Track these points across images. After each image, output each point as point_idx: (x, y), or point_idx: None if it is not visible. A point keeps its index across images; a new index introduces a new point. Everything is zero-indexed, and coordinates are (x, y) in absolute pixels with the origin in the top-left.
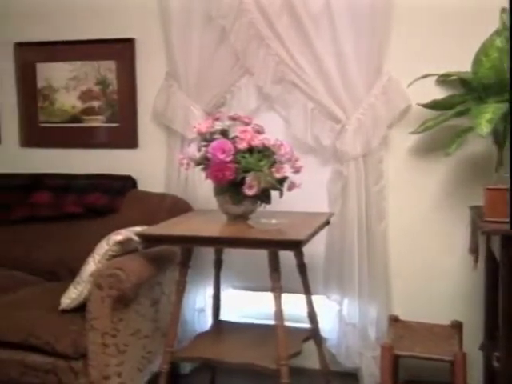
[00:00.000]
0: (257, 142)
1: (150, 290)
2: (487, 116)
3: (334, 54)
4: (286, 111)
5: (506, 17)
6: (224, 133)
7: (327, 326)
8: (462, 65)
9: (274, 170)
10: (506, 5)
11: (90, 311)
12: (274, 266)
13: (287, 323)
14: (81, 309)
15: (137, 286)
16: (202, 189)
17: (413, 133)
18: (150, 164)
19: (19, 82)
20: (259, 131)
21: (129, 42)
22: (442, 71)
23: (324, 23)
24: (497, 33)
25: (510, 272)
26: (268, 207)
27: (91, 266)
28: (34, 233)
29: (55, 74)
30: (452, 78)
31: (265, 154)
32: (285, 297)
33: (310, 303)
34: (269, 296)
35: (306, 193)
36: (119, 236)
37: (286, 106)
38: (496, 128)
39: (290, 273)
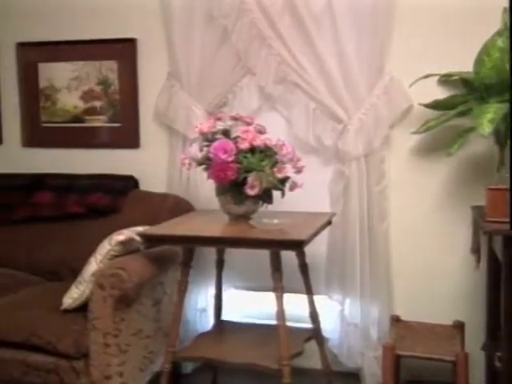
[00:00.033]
0: (259, 142)
1: (151, 289)
2: (489, 116)
3: (336, 54)
4: (288, 111)
5: (507, 17)
6: (226, 133)
7: (329, 326)
8: (464, 65)
9: (275, 170)
10: (507, 5)
11: (92, 311)
12: (276, 266)
13: (289, 323)
14: (83, 309)
15: (139, 286)
16: (203, 189)
17: (414, 133)
18: (151, 164)
19: (21, 82)
20: (261, 131)
21: (130, 42)
22: (444, 71)
23: (326, 23)
24: (498, 33)
25: None
26: (270, 207)
27: (93, 265)
28: (36, 233)
29: (57, 74)
30: (454, 78)
31: (267, 154)
32: (287, 297)
33: (311, 303)
34: (271, 296)
35: (308, 193)
36: (121, 236)
37: (288, 106)
38: (498, 128)
39: (292, 273)
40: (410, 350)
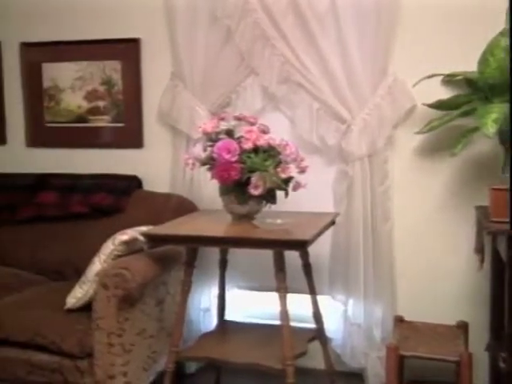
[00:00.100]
0: (262, 141)
1: (155, 289)
2: (493, 116)
3: (340, 54)
4: (292, 111)
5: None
6: (229, 133)
7: (332, 327)
8: (468, 65)
9: (279, 169)
10: (508, 5)
11: (96, 311)
12: (280, 266)
13: (292, 323)
14: (86, 308)
15: (142, 286)
16: (207, 189)
17: (418, 133)
18: (155, 164)
19: (25, 82)
20: (264, 131)
21: (134, 42)
22: (448, 71)
23: (329, 23)
24: (502, 33)
25: None
26: (273, 207)
27: (97, 265)
28: (40, 233)
29: (61, 74)
30: (458, 77)
31: (270, 153)
32: (290, 297)
33: (315, 303)
34: (274, 296)
35: (312, 193)
36: (125, 236)
37: (292, 106)
38: (502, 128)
39: (296, 273)
40: (413, 351)
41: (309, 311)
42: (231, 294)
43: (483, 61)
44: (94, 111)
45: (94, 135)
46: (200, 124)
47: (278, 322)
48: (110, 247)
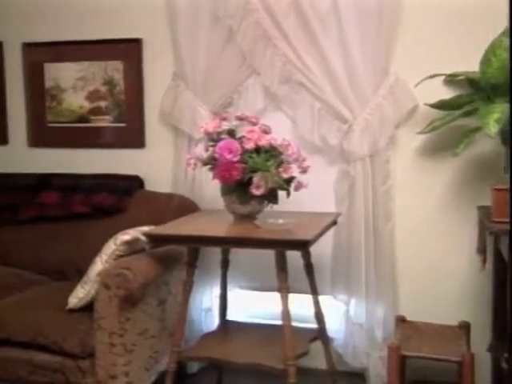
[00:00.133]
0: (264, 141)
1: (156, 289)
2: (495, 116)
3: (341, 54)
4: (293, 111)
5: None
6: (231, 133)
7: (334, 326)
8: (470, 65)
9: (281, 169)
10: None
11: (98, 311)
12: (281, 266)
13: (294, 323)
14: (88, 308)
15: (144, 286)
16: (208, 189)
17: (420, 133)
18: (157, 164)
19: (27, 82)
20: (266, 131)
21: (136, 42)
22: (450, 71)
23: (331, 23)
24: (505, 33)
25: None
26: (275, 207)
27: (98, 265)
28: (42, 232)
29: (63, 74)
30: (460, 77)
31: (272, 153)
32: (292, 297)
33: (316, 303)
34: (276, 296)
35: (313, 193)
36: (126, 236)
37: (293, 105)
38: (504, 128)
39: (297, 273)
40: (415, 351)
41: (310, 311)
42: (233, 293)
43: (485, 61)
44: (96, 111)
45: (95, 135)
46: (202, 124)
47: (279, 322)
48: (111, 247)
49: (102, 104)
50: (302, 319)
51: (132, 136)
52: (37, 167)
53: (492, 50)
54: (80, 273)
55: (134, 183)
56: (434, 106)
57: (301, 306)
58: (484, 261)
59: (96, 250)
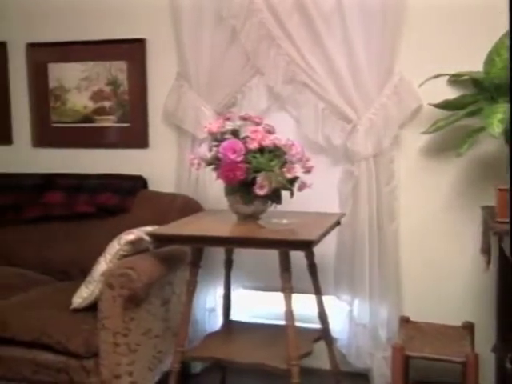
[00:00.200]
0: (268, 141)
1: (160, 289)
2: (499, 116)
3: (345, 54)
4: (297, 111)
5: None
6: (235, 133)
7: (338, 327)
8: (474, 65)
9: (284, 169)
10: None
11: (102, 310)
12: (285, 266)
13: (298, 323)
14: (92, 308)
15: (148, 286)
16: (212, 189)
17: (424, 133)
18: (160, 164)
19: (31, 83)
20: (270, 131)
21: (140, 43)
22: (454, 71)
23: (335, 22)
24: (506, 34)
25: None
26: (279, 207)
27: (102, 265)
28: (46, 232)
29: (67, 75)
30: (464, 77)
31: (276, 153)
32: (295, 297)
33: (320, 303)
34: (279, 296)
35: (317, 193)
36: (130, 236)
37: (297, 105)
38: (508, 128)
39: (301, 273)
40: (419, 351)
41: (314, 311)
42: (236, 294)
43: (489, 61)
44: (100, 111)
45: (99, 135)
46: (205, 124)
47: (283, 322)
48: (115, 247)
49: (106, 104)
50: (305, 319)
51: (136, 136)
52: (41, 167)
53: (496, 50)
54: (84, 273)
55: (137, 183)
56: (438, 106)
57: (304, 306)
58: (488, 261)
59: (100, 250)
